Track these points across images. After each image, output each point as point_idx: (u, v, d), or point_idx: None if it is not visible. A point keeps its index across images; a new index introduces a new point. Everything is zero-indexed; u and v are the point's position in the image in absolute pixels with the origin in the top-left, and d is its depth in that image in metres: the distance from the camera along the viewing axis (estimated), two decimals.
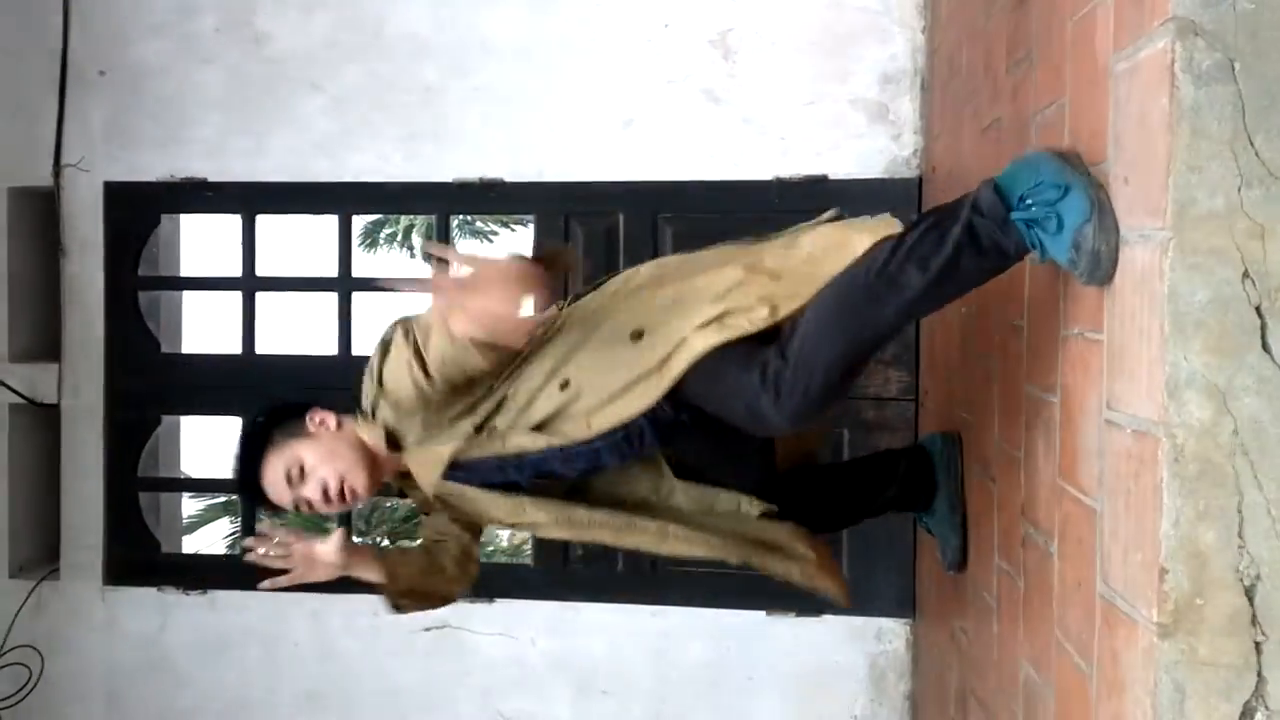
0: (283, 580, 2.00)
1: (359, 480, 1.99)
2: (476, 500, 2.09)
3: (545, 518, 2.08)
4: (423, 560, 2.17)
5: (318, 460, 1.98)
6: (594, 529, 2.10)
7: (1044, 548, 1.63)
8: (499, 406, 1.98)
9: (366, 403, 2.04)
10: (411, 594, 2.15)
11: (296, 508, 2.03)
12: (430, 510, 2.19)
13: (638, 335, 1.90)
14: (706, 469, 2.15)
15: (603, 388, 1.92)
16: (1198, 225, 1.12)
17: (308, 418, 2.02)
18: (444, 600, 2.21)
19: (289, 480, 1.98)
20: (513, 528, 2.22)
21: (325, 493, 1.97)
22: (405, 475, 2.10)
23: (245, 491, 2.07)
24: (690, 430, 2.00)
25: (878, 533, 3.22)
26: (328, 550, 2.00)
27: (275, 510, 2.09)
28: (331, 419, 2.03)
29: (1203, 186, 1.12)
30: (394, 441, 2.02)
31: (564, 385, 1.94)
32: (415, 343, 1.86)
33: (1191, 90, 1.11)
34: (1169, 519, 1.14)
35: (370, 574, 2.07)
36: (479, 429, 1.99)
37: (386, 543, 12.00)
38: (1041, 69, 1.71)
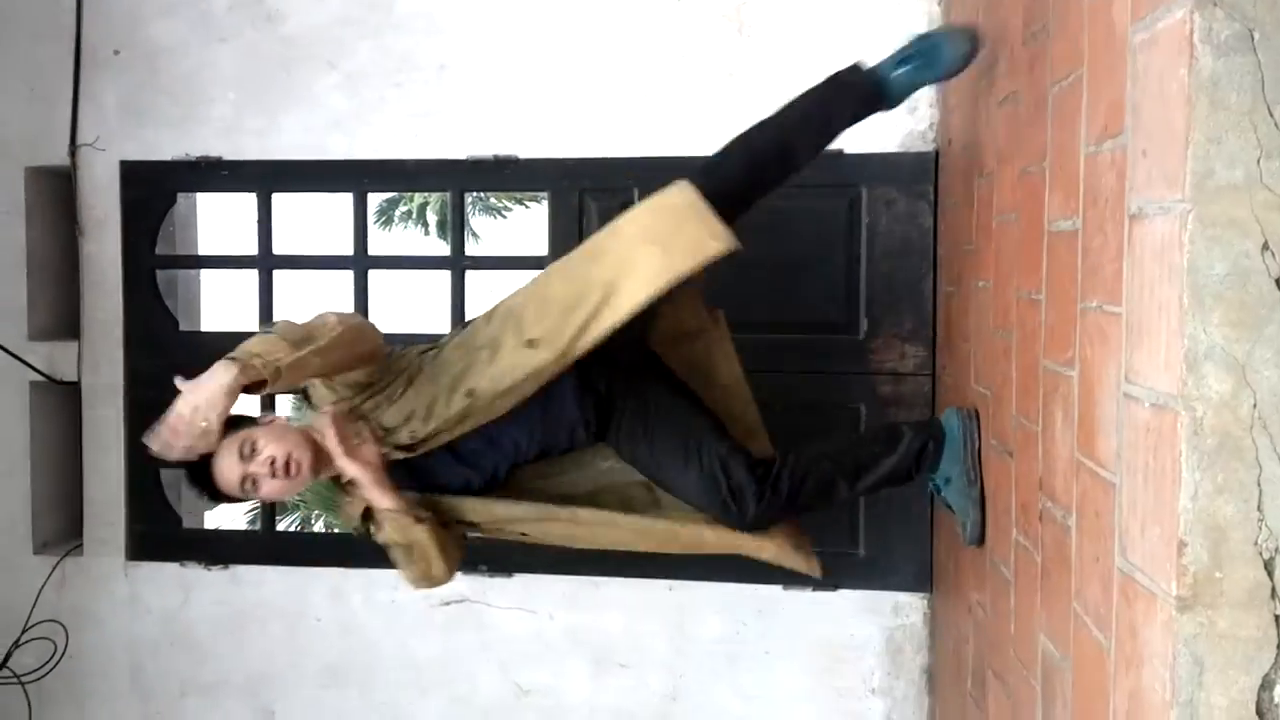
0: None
1: (304, 458, 2.14)
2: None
3: (476, 517, 2.31)
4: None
5: (267, 440, 2.12)
6: (515, 524, 2.31)
7: (1062, 522, 1.63)
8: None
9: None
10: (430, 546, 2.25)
11: (242, 487, 2.13)
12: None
13: (531, 343, 2.18)
14: (658, 444, 2.30)
15: (503, 377, 2.18)
16: (1217, 197, 1.11)
17: (259, 417, 2.22)
18: (441, 572, 2.31)
19: (240, 454, 2.10)
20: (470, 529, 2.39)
21: (273, 465, 2.10)
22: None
23: (193, 475, 2.17)
24: (613, 402, 2.28)
25: (894, 508, 3.23)
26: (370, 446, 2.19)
27: (218, 499, 2.19)
28: (281, 418, 2.25)
29: (1221, 158, 1.11)
30: None
31: (469, 394, 2.19)
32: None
33: (1210, 61, 1.10)
34: (1188, 492, 1.14)
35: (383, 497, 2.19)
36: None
37: None
38: (1058, 40, 1.70)
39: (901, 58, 2.32)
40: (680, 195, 2.20)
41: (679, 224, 2.17)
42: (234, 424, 2.12)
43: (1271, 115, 1.09)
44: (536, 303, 2.24)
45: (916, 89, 2.38)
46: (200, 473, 2.13)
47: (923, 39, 2.35)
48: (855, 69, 2.35)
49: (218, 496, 2.17)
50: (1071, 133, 1.59)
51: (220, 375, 1.94)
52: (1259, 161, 1.10)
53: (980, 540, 2.26)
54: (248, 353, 1.98)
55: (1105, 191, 1.42)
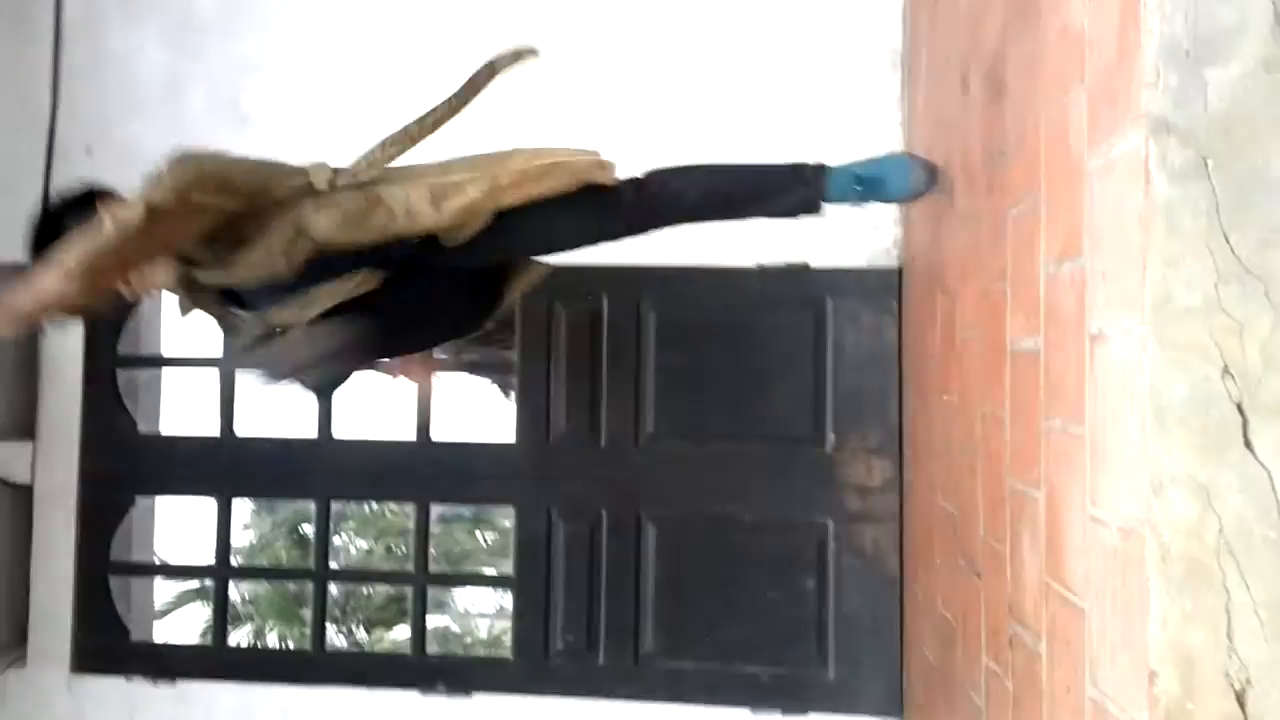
0: None
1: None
2: None
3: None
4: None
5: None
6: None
7: (1032, 647, 1.59)
8: None
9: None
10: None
11: None
12: None
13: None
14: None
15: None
16: (1176, 321, 1.11)
17: (100, 205, 2.19)
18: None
19: None
20: None
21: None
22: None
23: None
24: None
25: (864, 629, 3.17)
26: None
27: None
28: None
29: (1180, 282, 1.11)
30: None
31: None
32: None
33: (1166, 187, 1.12)
34: (1157, 620, 1.11)
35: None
36: None
37: (362, 632, 11.76)
38: (1016, 164, 1.73)
39: (861, 174, 2.37)
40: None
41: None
42: (74, 210, 2.19)
43: (1228, 241, 1.10)
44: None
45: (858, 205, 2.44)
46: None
47: (884, 162, 2.40)
48: (820, 170, 2.40)
49: None
50: (1031, 253, 1.61)
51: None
52: (1216, 286, 1.10)
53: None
54: None
55: (1066, 312, 1.43)
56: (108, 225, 2.01)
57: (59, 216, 2.20)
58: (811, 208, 2.39)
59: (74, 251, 1.99)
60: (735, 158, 2.47)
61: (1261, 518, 1.09)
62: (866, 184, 2.36)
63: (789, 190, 2.38)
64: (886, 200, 2.45)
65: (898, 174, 2.37)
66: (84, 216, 2.14)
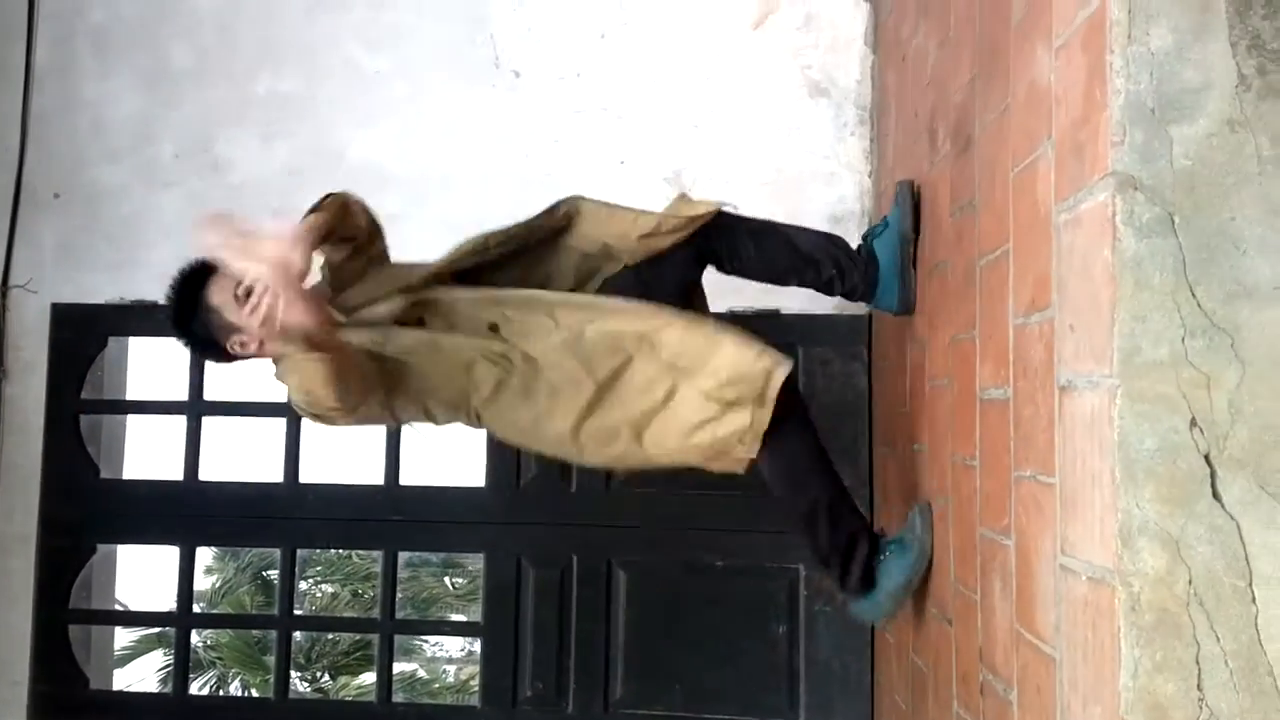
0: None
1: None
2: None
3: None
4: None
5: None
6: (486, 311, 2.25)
7: (1003, 696, 1.59)
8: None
9: None
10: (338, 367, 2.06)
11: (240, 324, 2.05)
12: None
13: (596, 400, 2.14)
14: None
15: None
16: (1144, 374, 1.13)
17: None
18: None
19: (235, 297, 2.03)
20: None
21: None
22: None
23: (182, 314, 2.13)
24: None
25: (834, 675, 3.16)
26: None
27: (210, 355, 2.20)
28: None
29: (1147, 336, 1.13)
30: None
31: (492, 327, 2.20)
32: None
33: (1133, 242, 1.14)
34: (1127, 670, 1.12)
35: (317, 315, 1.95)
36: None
37: (328, 678, 11.57)
38: (985, 215, 1.76)
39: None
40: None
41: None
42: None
43: (1194, 295, 1.12)
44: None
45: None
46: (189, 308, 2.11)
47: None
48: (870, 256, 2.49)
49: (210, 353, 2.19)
50: (1000, 304, 1.63)
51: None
52: (1183, 340, 1.12)
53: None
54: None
55: (1035, 362, 1.45)
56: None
57: (191, 287, 2.14)
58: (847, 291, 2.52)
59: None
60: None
61: (1230, 568, 1.11)
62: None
63: (850, 274, 2.48)
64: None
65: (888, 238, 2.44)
66: (212, 283, 2.12)
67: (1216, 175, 1.14)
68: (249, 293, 1.92)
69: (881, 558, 2.26)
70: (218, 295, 2.09)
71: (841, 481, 2.29)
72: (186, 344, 2.22)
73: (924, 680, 2.22)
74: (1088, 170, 1.23)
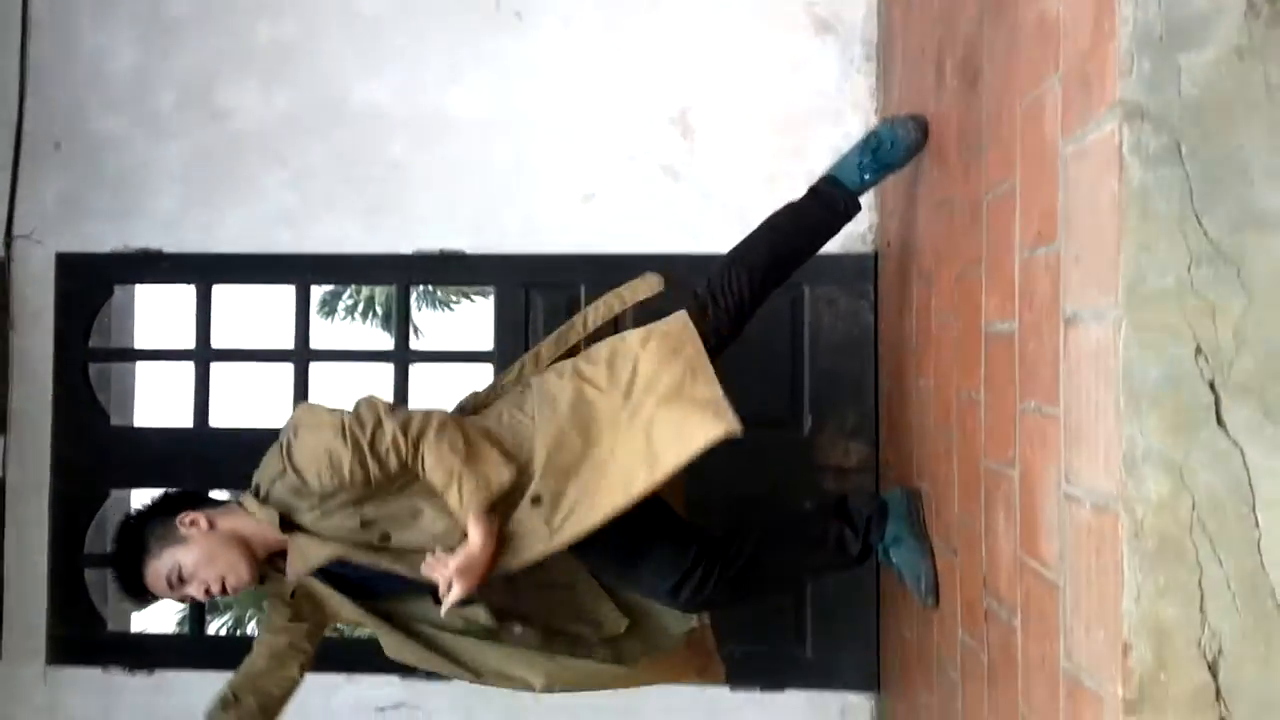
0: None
1: (239, 575, 2.11)
2: (329, 600, 2.23)
3: (387, 641, 2.27)
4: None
5: (196, 564, 2.09)
6: (427, 660, 2.28)
7: (1007, 622, 1.63)
8: (395, 521, 2.12)
9: (264, 482, 2.12)
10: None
11: (182, 600, 2.18)
12: (280, 600, 2.27)
13: (536, 500, 2.11)
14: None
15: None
16: (1149, 303, 1.14)
17: (178, 521, 2.12)
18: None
19: (170, 584, 2.11)
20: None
21: (208, 591, 2.10)
22: (272, 559, 2.18)
23: (131, 596, 2.18)
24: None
25: (840, 606, 3.21)
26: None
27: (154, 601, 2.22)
28: (203, 519, 2.13)
29: (1153, 265, 1.14)
30: (287, 523, 2.10)
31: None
32: (360, 441, 2.00)
33: (1139, 172, 1.14)
34: (1130, 594, 1.14)
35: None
36: (379, 542, 2.12)
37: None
38: (992, 150, 1.76)
39: (861, 160, 2.42)
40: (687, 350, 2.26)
41: (685, 413, 2.16)
42: (152, 528, 2.13)
43: (1200, 224, 1.13)
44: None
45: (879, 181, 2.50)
46: (134, 589, 2.15)
47: (875, 136, 2.43)
48: (831, 180, 2.47)
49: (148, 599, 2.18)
50: (1006, 238, 1.64)
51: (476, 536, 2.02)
52: (1189, 269, 1.13)
53: (936, 595, 2.21)
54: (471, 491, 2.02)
55: (1040, 296, 1.45)
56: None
57: (140, 527, 2.18)
58: (849, 213, 2.48)
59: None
60: (756, 221, 2.54)
61: (1233, 494, 1.13)
62: (872, 164, 2.42)
63: (824, 218, 2.48)
64: (897, 165, 2.45)
65: (891, 139, 2.40)
66: (165, 523, 2.15)
67: (1224, 104, 1.13)
68: (180, 577, 2.10)
69: (889, 558, 2.34)
70: (151, 580, 2.14)
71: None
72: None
73: (929, 610, 2.26)
74: (1095, 101, 1.23)
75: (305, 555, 2.10)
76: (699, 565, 2.22)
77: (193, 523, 2.12)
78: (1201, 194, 1.13)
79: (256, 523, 2.11)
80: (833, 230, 2.50)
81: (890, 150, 2.40)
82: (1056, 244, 1.38)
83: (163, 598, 2.16)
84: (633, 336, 2.28)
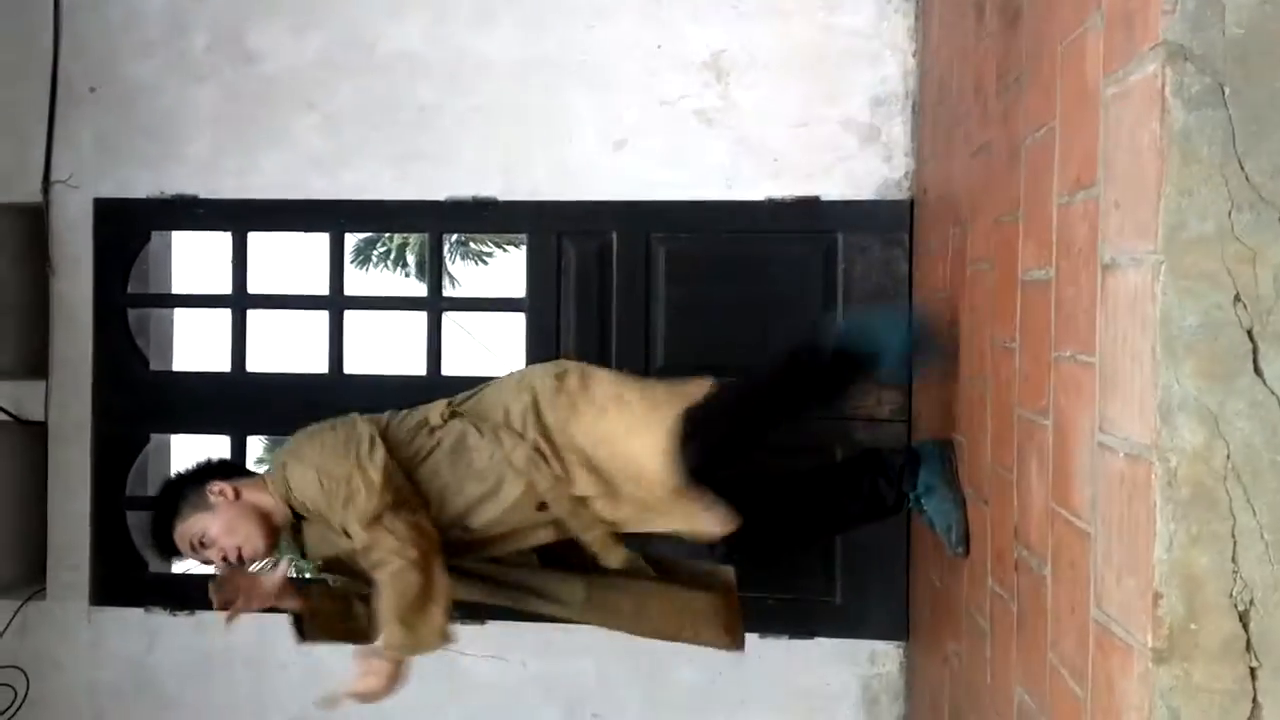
0: (235, 609, 2.22)
1: (256, 546, 2.22)
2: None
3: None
4: (340, 605, 2.38)
5: (218, 532, 2.20)
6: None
7: (1037, 571, 1.62)
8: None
9: (279, 469, 2.24)
10: (327, 632, 2.37)
11: (206, 563, 2.28)
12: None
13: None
14: None
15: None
16: (1188, 249, 1.12)
17: (207, 489, 2.23)
18: (360, 641, 2.34)
19: (192, 547, 2.22)
20: None
21: (225, 559, 2.21)
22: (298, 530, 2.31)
23: (160, 553, 2.34)
24: None
25: (870, 555, 3.22)
26: (269, 581, 2.24)
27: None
28: (230, 490, 2.24)
29: (1193, 210, 1.11)
30: (296, 511, 2.25)
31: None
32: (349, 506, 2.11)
33: (1182, 114, 1.11)
34: (1162, 543, 1.13)
35: (293, 605, 2.30)
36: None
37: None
38: (1031, 92, 1.72)
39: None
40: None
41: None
42: (184, 494, 2.24)
43: (1243, 168, 1.10)
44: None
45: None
46: (165, 547, 2.27)
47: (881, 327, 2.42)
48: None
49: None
50: (1045, 183, 1.61)
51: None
52: (1230, 214, 1.11)
53: (967, 545, 2.21)
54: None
55: (1078, 242, 1.43)
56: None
57: (177, 489, 2.29)
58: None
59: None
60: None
61: (1269, 443, 1.11)
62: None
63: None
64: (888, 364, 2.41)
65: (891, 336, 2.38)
66: (198, 489, 2.25)
67: (1270, 44, 1.10)
68: (203, 541, 2.21)
69: (921, 506, 2.33)
70: (180, 543, 2.26)
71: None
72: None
73: (958, 560, 2.26)
74: (1137, 41, 1.20)
75: (314, 547, 2.29)
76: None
77: (220, 492, 2.23)
78: (1244, 137, 1.10)
79: (275, 501, 2.24)
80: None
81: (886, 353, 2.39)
82: (1096, 189, 1.35)
83: (187, 558, 2.28)
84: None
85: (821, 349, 2.39)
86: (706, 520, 2.17)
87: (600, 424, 2.20)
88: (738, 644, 2.46)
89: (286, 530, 2.28)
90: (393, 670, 2.06)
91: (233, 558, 2.20)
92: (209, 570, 2.35)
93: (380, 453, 2.13)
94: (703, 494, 2.17)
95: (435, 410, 2.29)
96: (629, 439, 2.17)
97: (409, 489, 2.16)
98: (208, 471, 2.30)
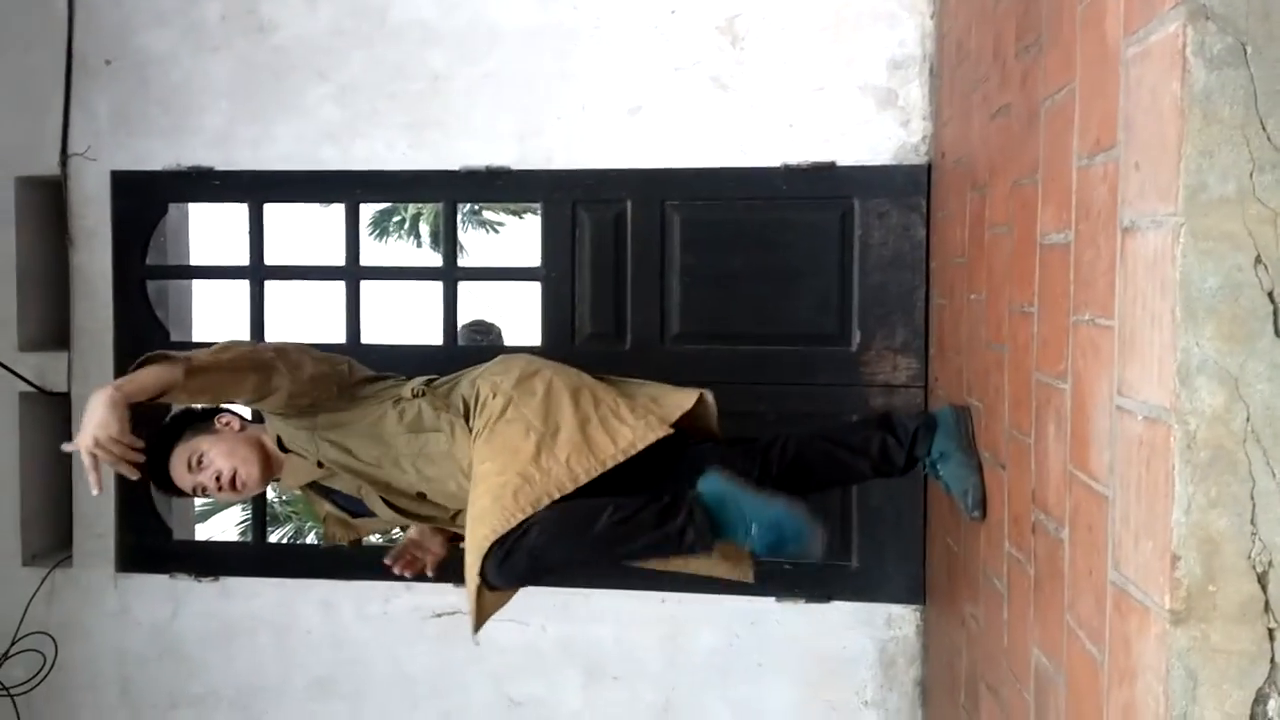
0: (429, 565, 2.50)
1: (251, 473, 2.26)
2: (318, 504, 2.46)
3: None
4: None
5: (216, 453, 2.24)
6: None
7: (1055, 535, 1.63)
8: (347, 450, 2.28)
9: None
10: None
11: (194, 492, 2.29)
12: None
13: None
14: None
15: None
16: (1209, 210, 1.11)
17: (216, 419, 2.31)
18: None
19: (188, 466, 2.24)
20: None
21: (218, 479, 2.23)
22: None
23: (152, 476, 2.27)
24: None
25: (887, 519, 3.23)
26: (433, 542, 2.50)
27: (178, 496, 2.34)
28: (236, 421, 2.33)
29: (1214, 171, 1.11)
30: (281, 445, 2.31)
31: (419, 496, 2.31)
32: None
33: (1203, 74, 1.10)
34: (1180, 506, 1.13)
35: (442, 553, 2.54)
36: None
37: None
38: (1051, 54, 1.70)
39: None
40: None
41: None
42: (193, 423, 2.28)
43: (1264, 128, 1.09)
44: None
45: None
46: (159, 474, 2.25)
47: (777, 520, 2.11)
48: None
49: (177, 494, 2.30)
50: (1064, 146, 1.59)
51: (95, 402, 2.00)
52: (1251, 175, 1.10)
53: (983, 508, 2.19)
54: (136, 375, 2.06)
55: (1098, 204, 1.42)
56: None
57: (183, 418, 2.34)
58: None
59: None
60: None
61: None
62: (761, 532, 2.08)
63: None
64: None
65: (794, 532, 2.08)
66: (205, 420, 2.31)
67: None
68: (200, 461, 2.24)
69: (937, 473, 2.33)
70: (174, 463, 2.26)
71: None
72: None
73: (975, 523, 2.27)
74: (1158, 0, 1.18)
75: (294, 473, 2.33)
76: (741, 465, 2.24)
77: (227, 423, 2.32)
78: (1266, 97, 1.09)
79: (273, 445, 2.31)
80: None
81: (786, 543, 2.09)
82: (1115, 150, 1.34)
83: (177, 484, 2.26)
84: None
85: (682, 503, 2.11)
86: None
87: (478, 469, 2.16)
88: (746, 574, 2.41)
89: (279, 471, 2.34)
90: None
91: (225, 481, 2.24)
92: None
93: (326, 366, 2.25)
94: (500, 599, 2.15)
95: (410, 385, 2.33)
96: (472, 521, 2.10)
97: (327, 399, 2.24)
98: (220, 410, 2.38)
